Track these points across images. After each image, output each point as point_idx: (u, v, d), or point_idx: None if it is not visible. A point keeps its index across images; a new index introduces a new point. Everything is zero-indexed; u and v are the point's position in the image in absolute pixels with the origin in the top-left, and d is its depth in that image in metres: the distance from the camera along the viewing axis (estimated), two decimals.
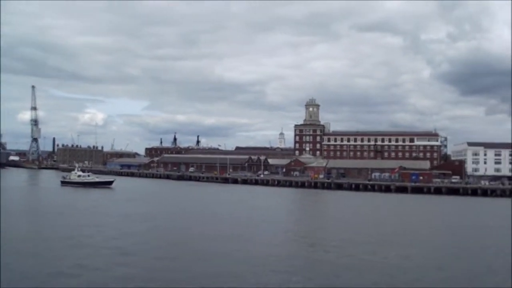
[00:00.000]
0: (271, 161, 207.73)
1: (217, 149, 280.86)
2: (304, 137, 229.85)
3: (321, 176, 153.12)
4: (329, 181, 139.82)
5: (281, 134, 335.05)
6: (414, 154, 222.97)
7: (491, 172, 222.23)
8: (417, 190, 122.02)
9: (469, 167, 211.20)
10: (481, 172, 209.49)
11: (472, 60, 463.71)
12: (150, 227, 50.54)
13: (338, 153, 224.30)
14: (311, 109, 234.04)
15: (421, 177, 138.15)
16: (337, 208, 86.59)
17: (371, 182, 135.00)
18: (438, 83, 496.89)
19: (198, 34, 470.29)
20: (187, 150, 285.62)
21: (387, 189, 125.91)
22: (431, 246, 44.96)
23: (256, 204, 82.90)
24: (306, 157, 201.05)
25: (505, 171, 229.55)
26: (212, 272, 30.99)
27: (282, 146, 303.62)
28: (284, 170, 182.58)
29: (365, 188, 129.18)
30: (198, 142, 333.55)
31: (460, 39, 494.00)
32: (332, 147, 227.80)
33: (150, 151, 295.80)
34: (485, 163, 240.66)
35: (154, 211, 67.55)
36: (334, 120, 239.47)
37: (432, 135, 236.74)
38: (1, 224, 46.77)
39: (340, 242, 44.35)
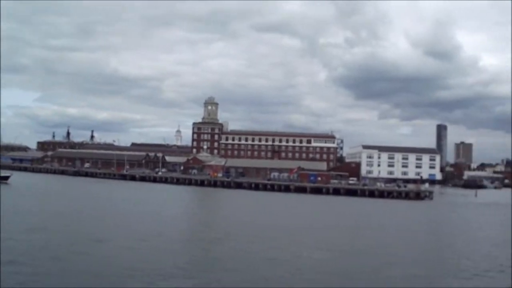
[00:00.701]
0: (168, 158, 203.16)
1: (112, 144, 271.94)
2: (202, 135, 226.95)
3: (220, 174, 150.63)
4: (229, 180, 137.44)
5: (178, 131, 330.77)
6: (311, 155, 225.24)
7: (384, 174, 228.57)
8: (316, 191, 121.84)
9: (364, 169, 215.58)
10: (374, 174, 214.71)
11: (367, 65, 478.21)
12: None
13: (236, 152, 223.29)
14: (209, 107, 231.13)
15: (319, 178, 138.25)
16: (238, 206, 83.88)
17: (270, 182, 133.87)
18: (334, 86, 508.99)
19: (94, 25, 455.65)
20: (82, 145, 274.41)
21: (287, 189, 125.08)
22: (329, 243, 44.39)
23: (158, 202, 78.88)
24: (204, 155, 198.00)
25: (397, 174, 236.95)
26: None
27: (179, 143, 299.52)
28: (182, 168, 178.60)
29: (265, 188, 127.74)
30: (92, 137, 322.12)
31: (357, 45, 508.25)
32: (230, 146, 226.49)
33: (42, 145, 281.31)
34: (379, 165, 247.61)
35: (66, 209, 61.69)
36: (230, 119, 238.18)
37: (329, 137, 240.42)
38: None
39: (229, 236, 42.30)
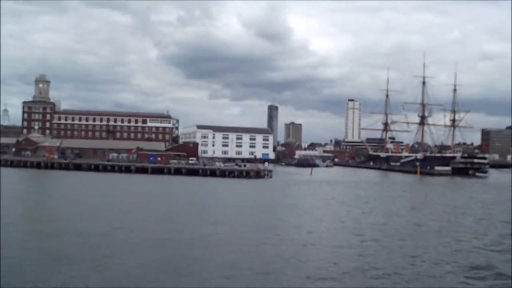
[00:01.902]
0: None
1: None
2: (33, 114, 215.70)
3: (56, 156, 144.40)
4: (67, 161, 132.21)
5: (6, 110, 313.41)
6: (146, 135, 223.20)
7: (219, 154, 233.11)
8: (158, 171, 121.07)
9: (199, 149, 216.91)
10: (209, 154, 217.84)
11: (199, 45, 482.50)
12: None
13: (69, 132, 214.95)
14: (41, 85, 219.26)
15: (159, 158, 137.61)
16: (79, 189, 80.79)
17: (110, 163, 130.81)
18: (164, 65, 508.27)
19: None
20: None
21: (127, 170, 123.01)
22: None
23: None
24: (36, 136, 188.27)
25: (232, 153, 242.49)
26: None
27: (7, 123, 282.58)
28: (14, 149, 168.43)
29: (105, 169, 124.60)
30: None
31: (190, 24, 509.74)
32: (63, 126, 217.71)
33: None
34: (213, 145, 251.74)
35: None
36: (57, 98, 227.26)
37: (165, 117, 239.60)
38: None
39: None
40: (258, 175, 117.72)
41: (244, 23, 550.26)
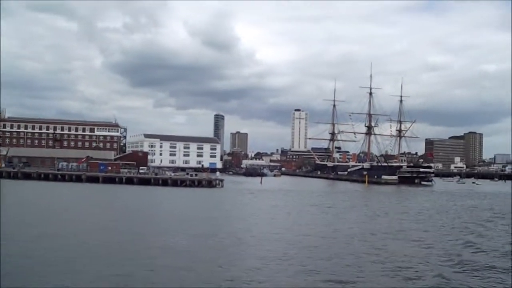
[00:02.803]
0: None
1: None
2: None
3: (3, 165, 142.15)
4: (16, 170, 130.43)
5: None
6: (94, 144, 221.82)
7: (166, 163, 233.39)
8: (109, 180, 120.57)
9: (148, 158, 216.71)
10: (157, 163, 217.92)
11: (145, 52, 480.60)
12: None
13: (15, 140, 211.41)
14: None
15: (109, 167, 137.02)
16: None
17: (61, 172, 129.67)
18: (110, 73, 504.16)
19: None
20: None
21: (78, 179, 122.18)
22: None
23: None
24: None
25: (179, 162, 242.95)
26: None
27: None
28: None
29: (55, 178, 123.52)
30: None
31: (136, 31, 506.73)
32: (8, 134, 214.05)
33: None
34: (161, 154, 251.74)
35: None
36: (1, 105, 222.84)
37: (113, 125, 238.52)
38: None
39: None
40: (210, 184, 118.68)
41: (191, 31, 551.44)
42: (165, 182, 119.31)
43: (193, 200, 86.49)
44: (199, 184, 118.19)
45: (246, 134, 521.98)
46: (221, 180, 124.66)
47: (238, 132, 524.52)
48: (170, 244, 37.29)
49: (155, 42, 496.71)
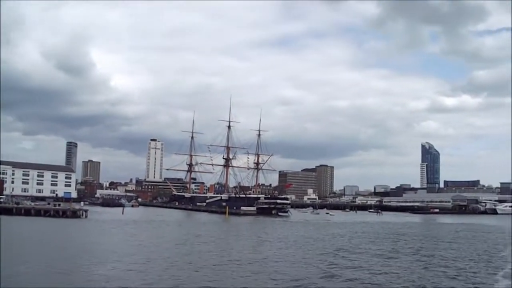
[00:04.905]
0: None
1: None
2: None
3: None
4: None
5: None
6: None
7: (18, 191, 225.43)
8: None
9: (3, 186, 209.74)
10: (8, 192, 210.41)
11: None
12: None
13: None
14: None
15: None
16: None
17: None
18: None
19: None
20: None
21: None
22: None
23: None
24: None
25: (32, 191, 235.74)
26: None
27: None
28: None
29: None
30: None
31: None
32: None
33: None
34: (12, 182, 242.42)
35: None
36: None
37: None
38: None
39: None
40: (75, 214, 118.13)
41: (45, 52, 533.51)
42: (28, 212, 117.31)
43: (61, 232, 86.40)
44: (63, 214, 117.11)
45: (99, 162, 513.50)
46: (86, 210, 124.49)
47: (90, 161, 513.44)
48: None
49: (6, 62, 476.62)
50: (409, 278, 39.09)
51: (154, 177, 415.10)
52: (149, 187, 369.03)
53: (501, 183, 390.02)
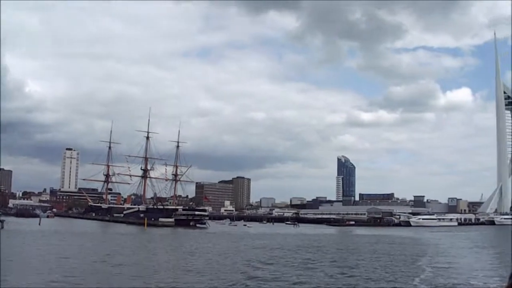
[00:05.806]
0: None
1: None
2: None
3: None
4: None
5: None
6: None
7: None
8: None
9: None
10: None
11: None
12: None
13: None
14: None
15: None
16: None
17: None
18: None
19: None
20: None
21: None
22: None
23: None
24: None
25: None
26: None
27: None
28: None
29: None
30: None
31: None
32: None
33: None
34: None
35: None
36: None
37: None
38: None
39: None
40: None
41: None
42: None
43: None
44: None
45: (11, 171, 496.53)
46: (2, 221, 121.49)
47: (1, 169, 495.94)
48: None
49: None
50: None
51: (69, 187, 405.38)
52: (64, 197, 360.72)
53: (414, 196, 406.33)
